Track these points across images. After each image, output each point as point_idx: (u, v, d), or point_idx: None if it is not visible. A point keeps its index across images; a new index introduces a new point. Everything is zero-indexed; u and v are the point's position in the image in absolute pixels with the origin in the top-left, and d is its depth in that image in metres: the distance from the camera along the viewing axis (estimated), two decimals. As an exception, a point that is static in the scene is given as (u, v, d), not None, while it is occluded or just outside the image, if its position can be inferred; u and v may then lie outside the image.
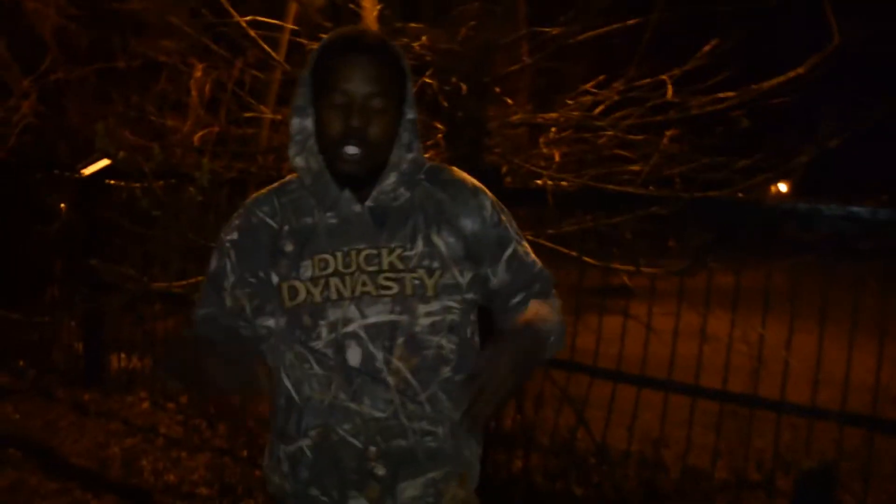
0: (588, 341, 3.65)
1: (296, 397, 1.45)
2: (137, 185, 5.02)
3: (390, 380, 1.42)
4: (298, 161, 1.47)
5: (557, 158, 3.75)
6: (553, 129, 3.87)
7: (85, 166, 5.04)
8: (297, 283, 1.43)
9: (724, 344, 3.39)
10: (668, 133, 3.63)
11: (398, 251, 1.44)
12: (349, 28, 1.52)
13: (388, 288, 1.43)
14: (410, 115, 1.47)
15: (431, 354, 1.45)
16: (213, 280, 1.54)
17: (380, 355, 1.42)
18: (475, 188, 1.54)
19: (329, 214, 1.46)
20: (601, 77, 3.67)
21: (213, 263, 1.55)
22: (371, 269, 1.43)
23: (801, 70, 3.03)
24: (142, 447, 4.25)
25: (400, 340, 1.43)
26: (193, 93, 6.71)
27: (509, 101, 4.08)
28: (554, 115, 3.58)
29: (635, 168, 3.59)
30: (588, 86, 3.63)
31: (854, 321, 3.04)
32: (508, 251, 1.53)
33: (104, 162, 5.13)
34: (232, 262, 1.51)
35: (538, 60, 3.33)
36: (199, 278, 2.97)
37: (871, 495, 3.17)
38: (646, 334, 3.53)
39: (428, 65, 3.66)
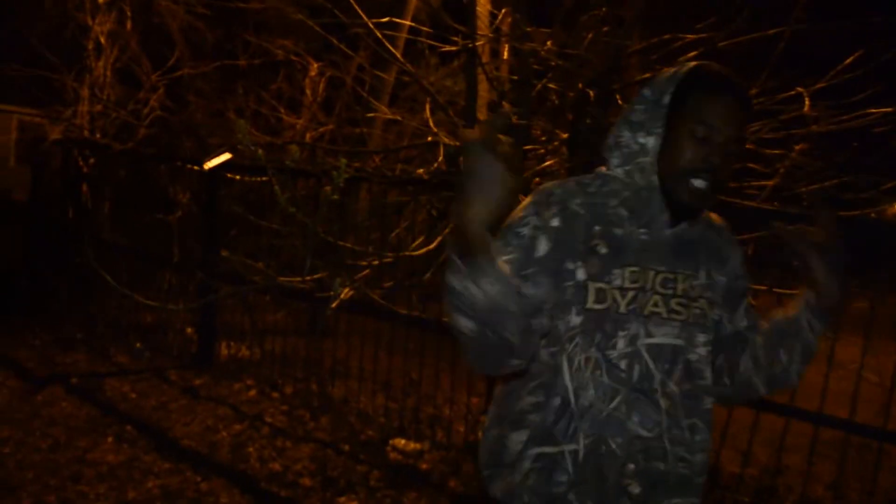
0: (704, 360, 3.54)
1: (573, 401, 1.43)
2: (256, 179, 5.20)
3: (662, 402, 1.44)
4: (619, 172, 1.49)
5: (679, 170, 3.64)
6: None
7: (208, 160, 5.23)
8: (606, 288, 1.42)
9: (852, 372, 3.23)
10: (798, 147, 3.47)
11: (689, 279, 1.48)
12: (716, 65, 1.49)
13: (678, 313, 1.46)
14: (738, 164, 1.53)
15: (701, 384, 1.49)
16: (519, 264, 1.42)
17: (658, 376, 1.44)
18: (733, 239, 1.60)
19: (641, 231, 1.47)
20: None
21: (527, 249, 1.43)
22: (666, 291, 1.46)
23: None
24: (248, 434, 4.35)
25: (679, 365, 1.45)
26: (308, 91, 6.92)
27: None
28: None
29: (764, 183, 3.45)
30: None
31: None
32: (745, 302, 1.60)
33: (226, 156, 5.31)
34: (552, 247, 1.44)
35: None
36: (324, 274, 3.06)
37: None
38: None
39: (552, 69, 3.62)
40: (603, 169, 1.52)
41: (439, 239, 3.32)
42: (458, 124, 3.87)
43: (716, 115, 1.41)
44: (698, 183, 1.41)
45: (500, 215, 1.22)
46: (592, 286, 1.42)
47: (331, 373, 4.99)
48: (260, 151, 2.22)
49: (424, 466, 4.00)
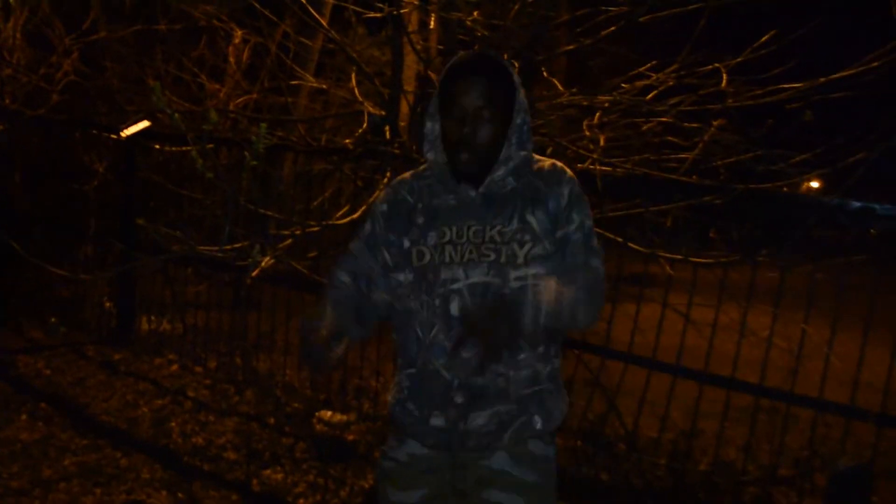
0: (624, 329, 3.63)
1: (419, 335, 1.80)
2: (176, 148, 5.06)
3: None
4: (430, 156, 1.84)
5: (602, 143, 3.69)
6: (598, 113, 3.80)
7: (125, 127, 5.05)
8: (424, 248, 1.80)
9: (763, 339, 3.36)
10: (716, 123, 3.56)
11: (498, 227, 1.77)
12: (472, 52, 1.87)
13: (487, 256, 1.76)
14: (519, 119, 1.78)
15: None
16: (368, 239, 1.91)
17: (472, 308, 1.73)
18: (563, 180, 1.83)
19: (450, 197, 1.82)
20: (654, 62, 3.60)
21: (367, 227, 1.92)
22: (477, 240, 1.77)
23: (863, 67, 2.96)
24: (170, 409, 4.28)
25: (489, 297, 1.73)
26: (231, 59, 6.72)
27: (555, 81, 4.03)
28: (606, 97, 3.52)
29: (683, 156, 3.53)
30: (642, 69, 3.57)
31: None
32: (560, 233, 1.80)
33: (144, 123, 5.14)
34: (381, 226, 1.89)
35: (596, 42, 3.27)
36: (245, 243, 3.00)
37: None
38: (684, 325, 3.50)
39: (478, 40, 3.61)
40: (429, 155, 1.86)
41: (364, 208, 3.30)
42: (384, 94, 3.83)
43: (461, 94, 1.73)
44: (463, 156, 1.76)
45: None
46: (414, 249, 1.81)
47: (255, 346, 4.93)
48: (177, 116, 2.16)
49: (351, 437, 4.01)
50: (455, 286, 1.77)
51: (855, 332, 3.14)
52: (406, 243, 1.84)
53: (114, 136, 5.23)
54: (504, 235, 1.77)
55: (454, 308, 1.76)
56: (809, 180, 3.97)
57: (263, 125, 2.02)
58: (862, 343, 3.11)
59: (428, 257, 1.80)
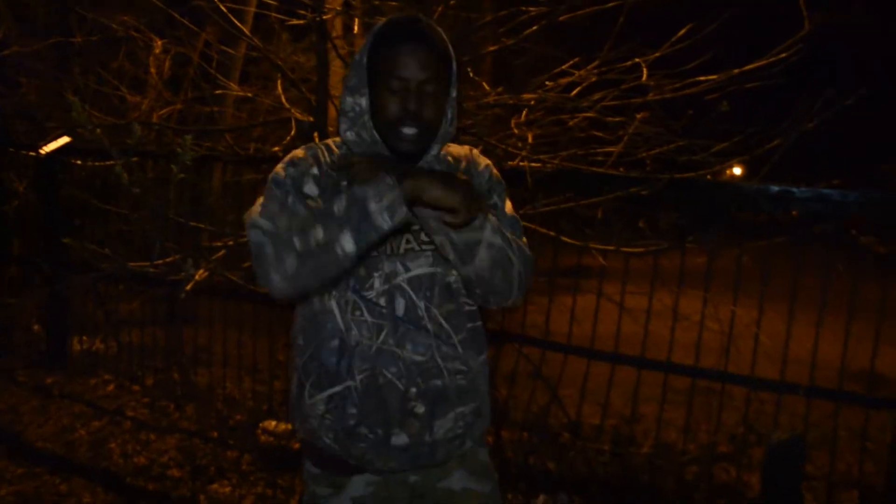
0: (562, 321, 3.70)
1: (347, 341, 1.56)
2: (100, 163, 4.93)
3: (429, 326, 1.58)
4: (350, 136, 1.60)
5: (531, 140, 3.76)
6: (525, 111, 3.87)
7: (44, 144, 4.90)
8: None
9: (695, 323, 3.47)
10: (639, 116, 3.66)
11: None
12: (402, 16, 1.60)
13: (429, 243, 1.58)
14: (453, 93, 1.60)
15: (463, 301, 1.63)
16: (282, 203, 1.53)
17: (421, 304, 1.57)
18: (485, 164, 1.72)
19: None
20: (576, 59, 3.68)
21: (276, 193, 1.55)
22: (415, 228, 1.57)
23: (774, 58, 3.09)
24: (109, 430, 4.18)
25: (437, 290, 1.58)
26: (152, 69, 6.58)
27: (482, 81, 4.08)
28: (532, 95, 3.58)
29: (609, 149, 3.62)
30: (565, 67, 3.65)
31: (823, 302, 3.15)
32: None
33: (64, 140, 5.00)
34: (294, 190, 1.56)
35: (518, 41, 3.33)
36: (177, 257, 2.95)
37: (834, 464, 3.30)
38: (619, 313, 3.59)
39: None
40: (349, 135, 1.62)
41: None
42: (311, 100, 3.82)
43: (403, 66, 1.52)
44: (407, 130, 1.55)
45: None
46: None
47: (193, 360, 4.85)
48: (98, 131, 2.12)
49: (297, 446, 3.98)
50: (397, 281, 1.55)
51: (782, 310, 3.27)
52: None
53: (33, 154, 5.06)
54: None
55: (400, 307, 1.56)
56: (732, 168, 4.11)
57: (188, 137, 2.00)
58: (788, 321, 3.24)
59: None
